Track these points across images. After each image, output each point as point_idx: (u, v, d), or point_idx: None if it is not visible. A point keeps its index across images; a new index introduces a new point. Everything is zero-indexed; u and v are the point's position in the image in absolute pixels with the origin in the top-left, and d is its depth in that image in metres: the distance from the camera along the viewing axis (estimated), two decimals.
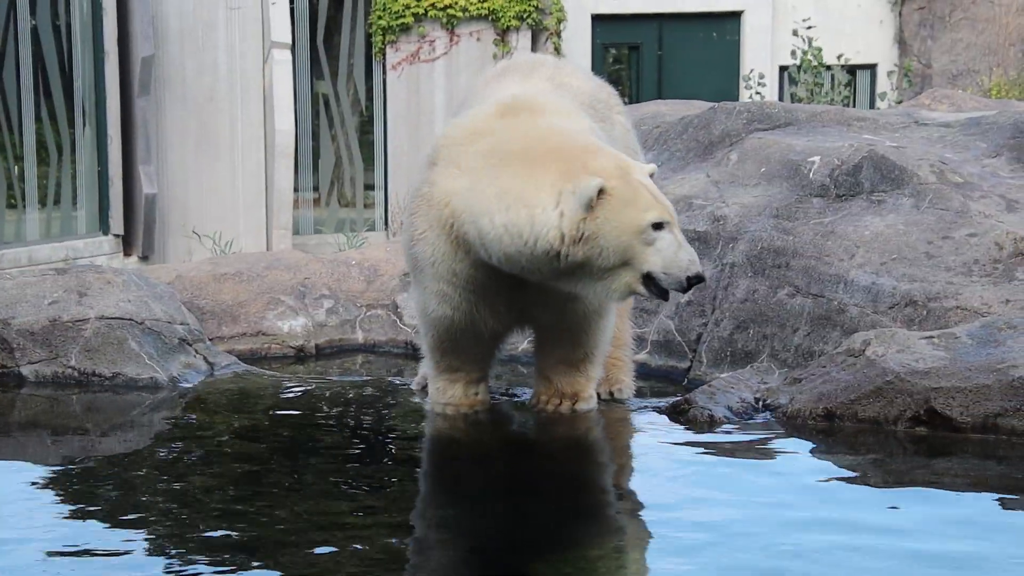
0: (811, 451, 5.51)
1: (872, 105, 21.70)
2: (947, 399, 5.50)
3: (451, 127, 5.68)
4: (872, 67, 22.63)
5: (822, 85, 19.48)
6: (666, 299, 5.51)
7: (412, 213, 5.62)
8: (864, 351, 5.82)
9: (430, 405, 6.12)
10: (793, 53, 20.27)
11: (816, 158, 8.03)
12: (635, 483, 5.31)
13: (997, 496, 4.85)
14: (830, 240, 7.37)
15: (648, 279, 5.26)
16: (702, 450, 5.59)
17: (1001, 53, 18.56)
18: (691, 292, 5.90)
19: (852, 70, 21.55)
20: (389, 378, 7.29)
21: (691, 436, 5.72)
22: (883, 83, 22.37)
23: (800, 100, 19.16)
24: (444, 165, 5.52)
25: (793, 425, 5.77)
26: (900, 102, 20.00)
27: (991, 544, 4.31)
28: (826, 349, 6.74)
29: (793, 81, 20.17)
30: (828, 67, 19.82)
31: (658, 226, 5.23)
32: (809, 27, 19.70)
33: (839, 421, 5.68)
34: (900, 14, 21.86)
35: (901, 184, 7.63)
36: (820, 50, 19.71)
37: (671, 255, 5.23)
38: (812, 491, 4.97)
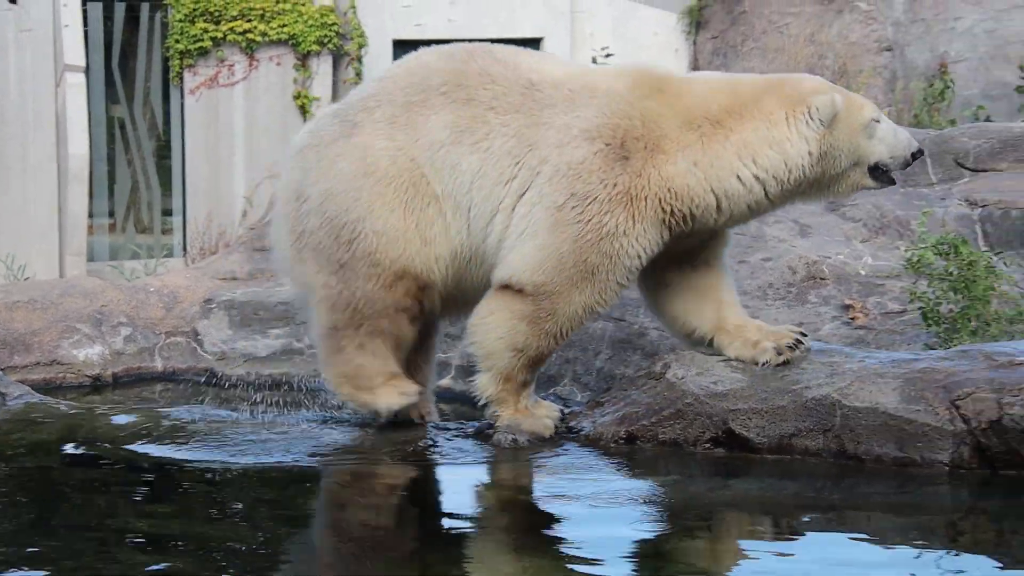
0: (612, 474, 5.56)
1: None
2: (745, 420, 5.61)
3: (613, 115, 5.62)
4: None
5: None
6: (893, 183, 5.87)
7: (604, 212, 5.54)
8: (664, 374, 5.90)
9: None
10: None
11: None
12: (441, 508, 5.31)
13: (792, 515, 4.97)
14: None
15: (874, 170, 5.71)
16: (501, 476, 5.61)
17: None
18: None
19: None
20: (187, 406, 7.16)
21: (492, 461, 5.73)
22: None
23: None
24: (646, 154, 5.57)
25: (596, 448, 5.82)
26: None
27: (784, 562, 4.41)
28: (627, 372, 6.83)
29: None
30: None
31: (875, 119, 5.67)
32: (607, 55, 19.99)
33: (641, 443, 5.75)
34: (695, 43, 22.32)
35: None
36: None
37: (892, 140, 5.69)
38: (611, 518, 5.01)
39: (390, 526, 5.03)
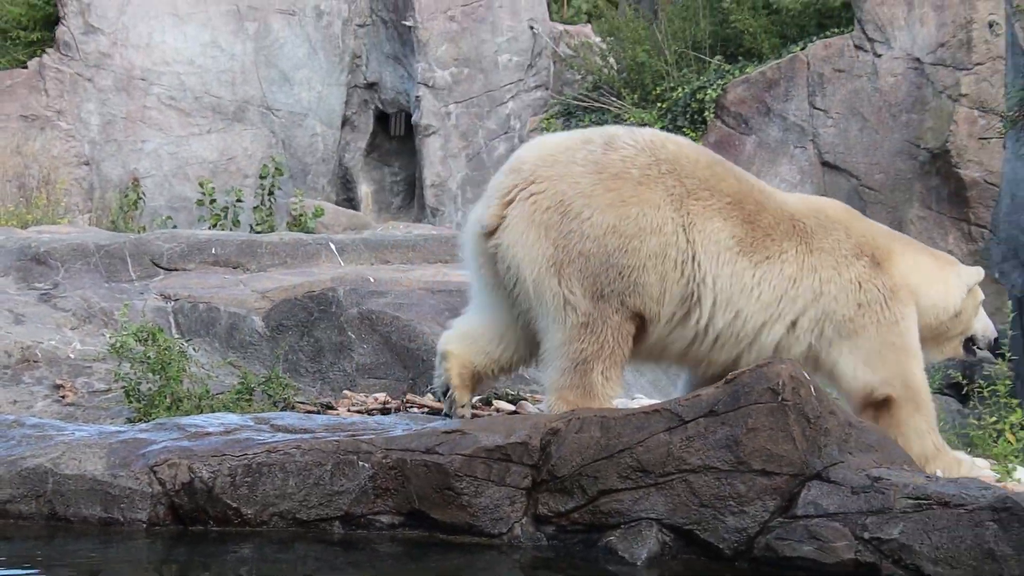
0: None
1: None
2: None
3: (857, 235, 6.01)
4: None
5: None
6: (974, 357, 6.49)
7: (885, 309, 5.92)
8: None
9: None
10: None
11: None
12: None
13: None
14: None
15: (968, 342, 6.32)
16: None
17: None
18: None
19: None
20: None
21: None
22: None
23: None
24: (885, 261, 5.99)
25: None
26: None
27: None
28: None
29: None
30: None
31: (983, 300, 6.31)
32: None
33: None
34: None
35: None
36: None
37: (986, 322, 6.35)
38: None
39: None
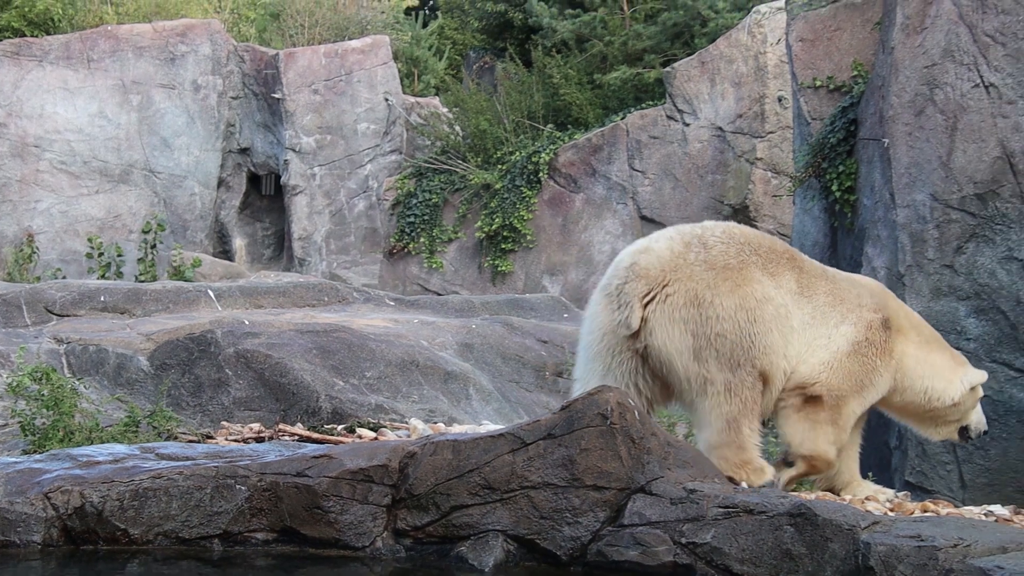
0: None
1: None
2: None
3: (878, 298, 6.38)
4: None
5: None
6: (967, 444, 6.92)
7: (875, 355, 6.23)
8: None
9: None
10: None
11: None
12: None
13: None
14: None
15: (962, 431, 6.58)
16: None
17: None
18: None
19: None
20: None
21: None
22: None
23: None
24: (895, 332, 6.31)
25: None
26: None
27: None
28: None
29: None
30: None
31: (980, 398, 6.54)
32: None
33: None
34: None
35: None
36: None
37: (980, 416, 6.60)
38: None
39: None
